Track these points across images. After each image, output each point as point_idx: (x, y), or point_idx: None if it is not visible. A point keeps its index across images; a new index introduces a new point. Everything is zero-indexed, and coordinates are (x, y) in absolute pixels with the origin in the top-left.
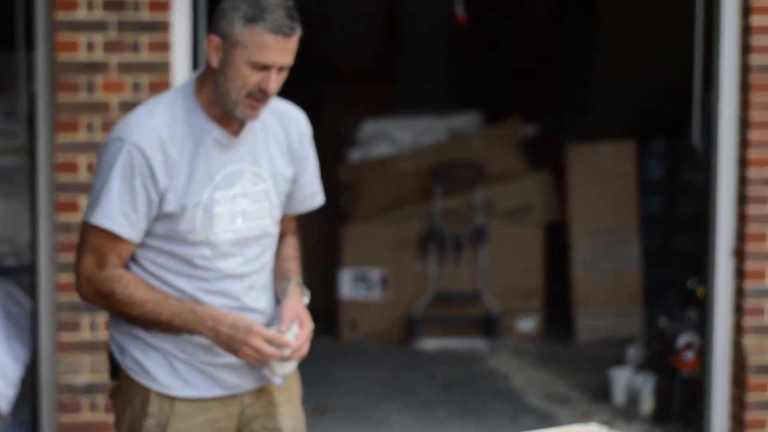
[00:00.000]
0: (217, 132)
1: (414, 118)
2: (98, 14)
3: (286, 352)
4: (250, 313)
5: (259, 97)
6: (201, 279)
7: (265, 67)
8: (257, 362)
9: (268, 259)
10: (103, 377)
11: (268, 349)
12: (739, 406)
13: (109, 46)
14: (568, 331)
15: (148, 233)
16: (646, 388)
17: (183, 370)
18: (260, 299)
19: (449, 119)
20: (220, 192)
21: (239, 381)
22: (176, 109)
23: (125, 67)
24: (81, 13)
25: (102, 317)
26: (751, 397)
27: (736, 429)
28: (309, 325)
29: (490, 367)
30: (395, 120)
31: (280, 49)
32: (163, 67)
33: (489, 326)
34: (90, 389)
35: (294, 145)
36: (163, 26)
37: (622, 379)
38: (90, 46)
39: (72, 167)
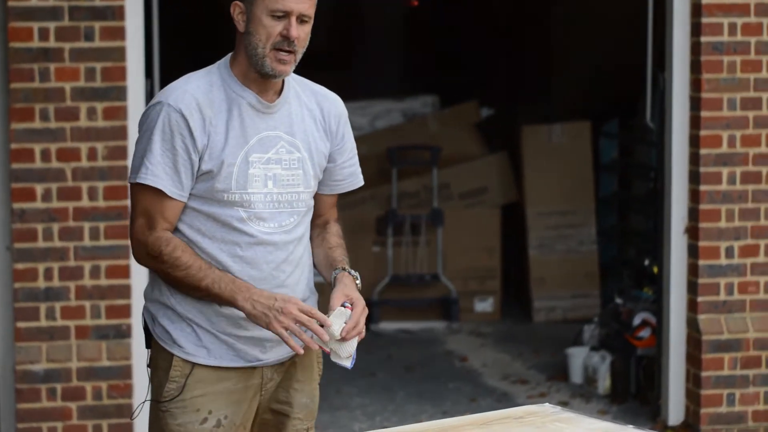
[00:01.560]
0: (252, 97)
1: (370, 101)
2: (50, 1)
3: (337, 334)
4: (278, 288)
5: (284, 47)
6: (234, 243)
7: (284, 15)
8: (289, 330)
9: (302, 231)
10: (60, 365)
11: (304, 317)
12: (694, 383)
13: (62, 33)
14: (526, 311)
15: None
16: (603, 367)
17: (206, 339)
18: (293, 274)
19: (405, 102)
20: (255, 154)
21: (261, 355)
22: (213, 78)
23: (78, 54)
24: (33, 1)
25: (59, 305)
26: (706, 374)
27: (691, 406)
28: (360, 304)
29: (448, 349)
30: (351, 104)
31: None
32: (117, 53)
33: (447, 308)
34: (47, 377)
35: (330, 124)
36: (116, 12)
37: (579, 358)
38: (43, 34)
39: (27, 155)
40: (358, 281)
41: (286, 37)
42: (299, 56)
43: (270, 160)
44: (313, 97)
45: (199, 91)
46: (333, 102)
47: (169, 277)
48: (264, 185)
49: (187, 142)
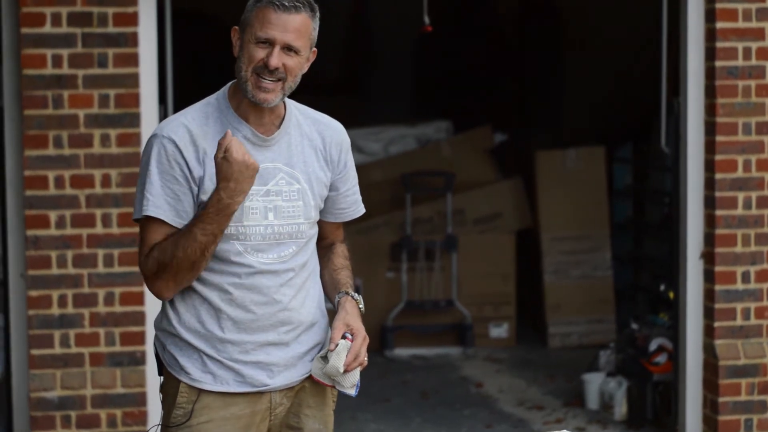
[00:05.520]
0: (248, 130)
1: (383, 127)
2: (64, 28)
3: (341, 369)
4: (282, 312)
5: (263, 73)
6: (233, 274)
7: (268, 43)
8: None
9: (305, 259)
10: (75, 392)
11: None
12: (711, 408)
13: (76, 60)
14: (541, 337)
15: None
16: (619, 392)
17: (212, 365)
18: (296, 297)
19: (418, 128)
20: (252, 187)
21: (268, 380)
22: (209, 110)
23: (92, 81)
24: (47, 27)
25: (73, 332)
26: (724, 399)
27: None
28: (361, 334)
29: (464, 375)
30: (364, 129)
31: (281, 25)
32: (131, 80)
33: (462, 334)
34: (62, 404)
35: (332, 153)
36: (129, 39)
37: (595, 384)
38: (56, 61)
39: (40, 182)
40: (361, 305)
41: (265, 65)
42: (288, 86)
43: (270, 192)
44: (315, 126)
45: (194, 123)
46: (335, 130)
47: (176, 269)
48: (264, 217)
49: (185, 170)
